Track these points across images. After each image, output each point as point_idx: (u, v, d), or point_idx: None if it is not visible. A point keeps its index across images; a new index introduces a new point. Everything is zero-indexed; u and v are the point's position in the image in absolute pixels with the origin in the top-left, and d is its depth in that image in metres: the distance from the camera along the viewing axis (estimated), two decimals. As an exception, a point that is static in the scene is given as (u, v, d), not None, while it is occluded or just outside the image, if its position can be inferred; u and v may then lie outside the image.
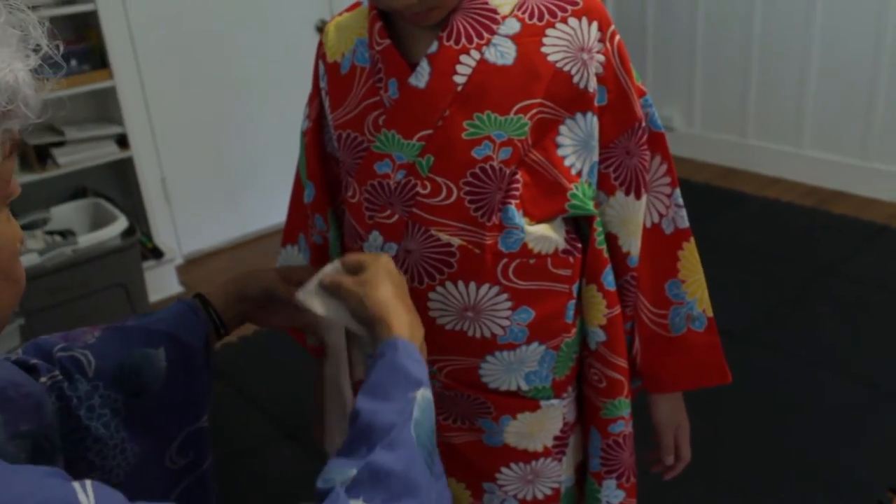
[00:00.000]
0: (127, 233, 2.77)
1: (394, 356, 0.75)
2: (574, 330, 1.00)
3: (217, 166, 3.46)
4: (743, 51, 3.80)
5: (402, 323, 0.79)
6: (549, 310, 0.96)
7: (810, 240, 3.23)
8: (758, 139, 3.90)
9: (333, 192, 1.06)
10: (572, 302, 0.98)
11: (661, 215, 1.00)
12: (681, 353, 1.04)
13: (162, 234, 3.27)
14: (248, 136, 3.50)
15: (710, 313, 1.05)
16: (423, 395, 0.73)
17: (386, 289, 0.82)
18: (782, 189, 3.72)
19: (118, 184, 3.22)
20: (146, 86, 3.16)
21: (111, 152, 2.99)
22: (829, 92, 3.58)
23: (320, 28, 3.55)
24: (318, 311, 0.87)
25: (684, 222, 1.01)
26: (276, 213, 3.58)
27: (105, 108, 3.08)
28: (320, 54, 1.01)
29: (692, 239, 1.02)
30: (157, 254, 3.16)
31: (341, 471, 0.65)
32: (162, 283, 3.18)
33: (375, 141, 0.92)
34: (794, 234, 3.31)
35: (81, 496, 0.49)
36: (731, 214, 3.48)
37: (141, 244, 2.99)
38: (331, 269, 0.89)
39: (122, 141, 3.02)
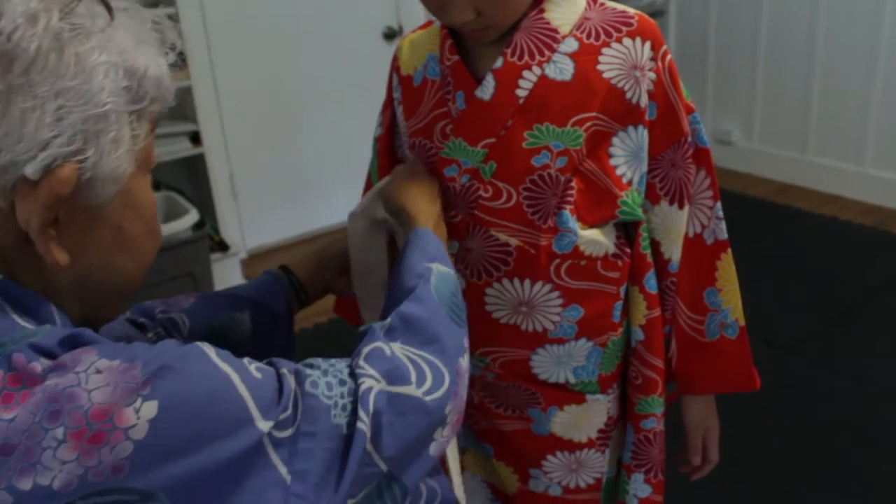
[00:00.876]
0: (197, 226, 2.91)
1: (414, 242, 0.88)
2: (620, 329, 1.07)
3: (281, 166, 3.59)
4: (805, 65, 3.78)
5: (421, 213, 0.93)
6: (597, 309, 1.03)
7: (866, 258, 3.21)
8: (818, 155, 3.88)
9: None
10: (619, 303, 1.05)
11: (703, 226, 1.06)
12: (713, 358, 1.09)
13: (228, 229, 3.41)
14: (313, 137, 3.63)
15: (743, 322, 1.10)
16: (437, 267, 0.84)
17: (406, 184, 0.97)
18: (841, 207, 3.69)
19: (190, 178, 3.37)
20: (219, 86, 3.30)
21: (184, 148, 3.14)
22: (893, 109, 3.54)
23: (387, 35, 3.66)
24: (359, 224, 1.05)
25: (723, 234, 1.07)
26: (334, 212, 3.71)
27: (181, 105, 3.23)
28: (395, 67, 1.10)
29: (730, 251, 1.07)
30: (223, 247, 3.30)
31: (378, 324, 0.77)
32: (227, 275, 3.32)
33: (444, 147, 1.00)
34: (851, 252, 3.29)
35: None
36: (787, 230, 3.47)
37: (209, 237, 3.13)
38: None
39: (195, 138, 3.16)
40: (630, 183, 1.00)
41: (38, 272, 0.62)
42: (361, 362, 0.70)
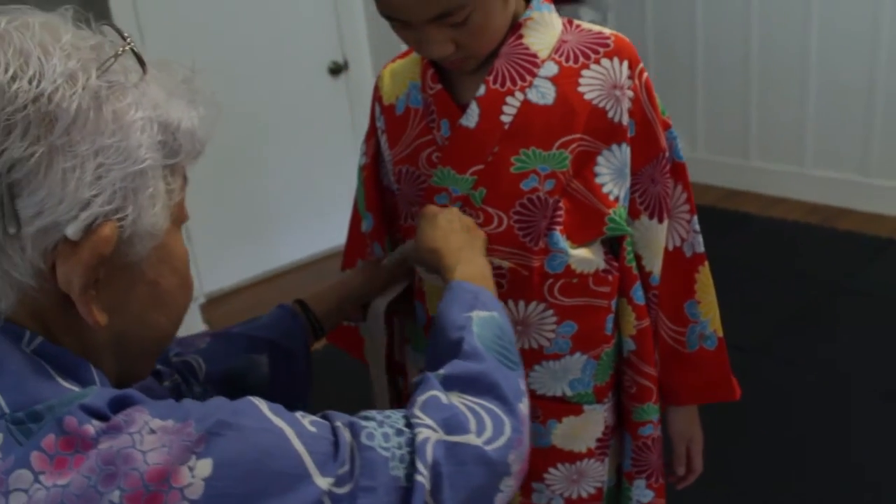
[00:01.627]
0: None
1: (448, 296, 0.86)
2: (612, 341, 1.09)
3: (235, 206, 3.56)
4: (742, 75, 3.91)
5: (451, 265, 0.91)
6: (590, 323, 1.05)
7: (816, 257, 3.32)
8: (760, 160, 4.00)
9: (389, 221, 1.16)
10: (611, 316, 1.07)
11: (682, 239, 1.08)
12: (694, 369, 1.12)
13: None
14: (265, 174, 3.61)
15: (721, 333, 1.13)
16: (477, 314, 0.83)
17: (429, 234, 0.95)
18: (786, 208, 3.81)
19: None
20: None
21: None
22: (828, 111, 3.68)
23: (333, 70, 3.67)
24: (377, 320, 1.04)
25: (701, 247, 1.10)
26: (294, 249, 3.70)
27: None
28: (376, 97, 1.11)
29: (707, 263, 1.11)
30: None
31: (432, 373, 0.76)
32: (187, 322, 3.16)
33: (433, 176, 1.02)
34: (800, 252, 3.39)
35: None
36: (737, 235, 3.57)
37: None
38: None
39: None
40: (617, 199, 1.02)
41: (77, 332, 0.61)
42: (417, 411, 0.69)
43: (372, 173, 1.14)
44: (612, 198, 1.01)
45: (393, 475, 0.62)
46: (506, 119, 0.97)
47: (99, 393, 0.56)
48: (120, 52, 0.59)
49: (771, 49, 3.78)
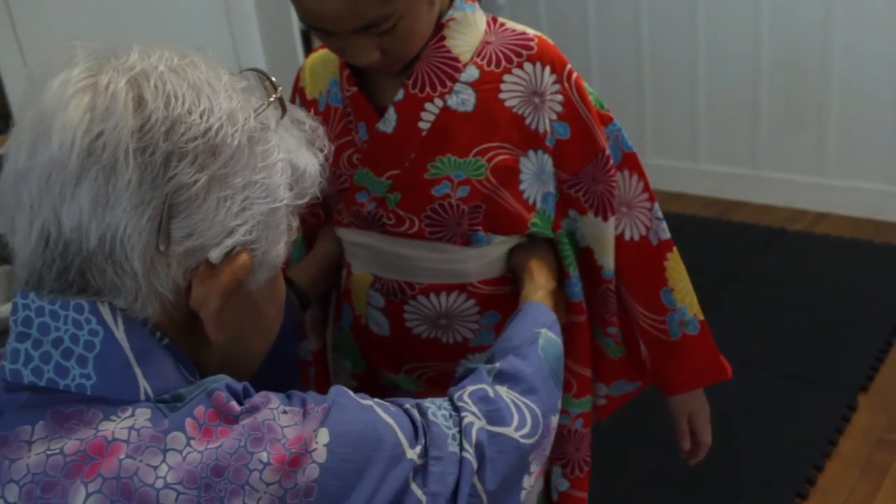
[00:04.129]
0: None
1: (528, 311, 0.94)
2: None
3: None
4: (635, 76, 4.02)
5: (541, 285, 0.99)
6: (513, 312, 1.03)
7: (715, 248, 3.43)
8: (657, 158, 4.11)
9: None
10: None
11: (647, 228, 1.07)
12: (682, 357, 1.12)
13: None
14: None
15: (702, 317, 1.13)
16: (547, 333, 0.91)
17: (544, 253, 1.04)
18: (684, 203, 3.93)
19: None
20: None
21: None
22: (718, 109, 3.82)
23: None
24: None
25: (666, 234, 1.09)
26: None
27: (12, 171, 3.01)
28: (297, 89, 1.07)
29: (675, 249, 1.10)
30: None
31: (485, 367, 0.83)
32: None
33: (354, 175, 0.99)
34: (700, 244, 3.49)
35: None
36: (640, 230, 3.65)
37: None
38: None
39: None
40: (535, 204, 1.00)
41: (193, 346, 0.65)
42: (466, 397, 0.75)
43: None
44: (531, 202, 1.00)
45: (451, 451, 0.68)
46: (424, 126, 0.95)
47: (231, 380, 0.62)
48: (272, 100, 0.66)
49: (661, 52, 3.90)
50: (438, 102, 0.94)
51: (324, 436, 0.60)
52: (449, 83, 0.94)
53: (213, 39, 3.53)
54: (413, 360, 1.02)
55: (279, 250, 0.67)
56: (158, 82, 0.59)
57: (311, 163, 0.69)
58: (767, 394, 2.43)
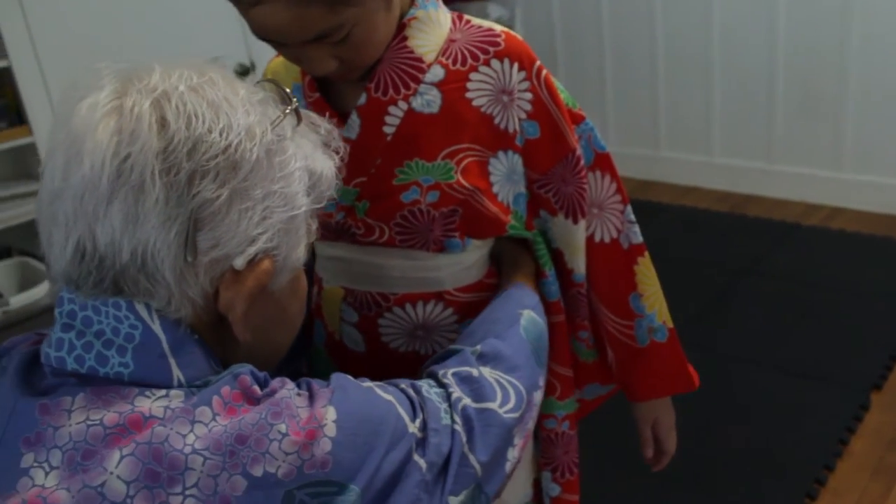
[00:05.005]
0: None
1: (514, 291, 0.97)
2: None
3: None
4: (650, 69, 3.98)
5: (528, 275, 1.02)
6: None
7: (728, 243, 3.40)
8: (670, 151, 4.08)
9: None
10: None
11: (618, 231, 1.05)
12: (648, 364, 1.10)
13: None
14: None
15: (671, 325, 1.11)
16: (529, 313, 0.93)
17: (514, 248, 1.06)
18: (697, 197, 3.90)
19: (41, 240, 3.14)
20: (65, 140, 3.11)
21: (33, 210, 2.93)
22: (732, 102, 3.78)
23: (241, 73, 3.56)
24: None
25: (638, 238, 1.06)
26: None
27: (24, 165, 3.02)
28: None
29: (647, 254, 1.07)
30: (88, 309, 3.10)
31: (469, 349, 0.86)
32: None
33: None
34: (713, 238, 3.47)
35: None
36: (651, 225, 3.62)
37: (72, 300, 2.93)
38: None
39: (45, 197, 2.96)
40: (509, 206, 0.98)
41: (221, 345, 0.69)
42: (450, 375, 0.79)
43: None
44: (505, 204, 0.98)
45: (444, 423, 0.73)
46: (388, 130, 0.91)
47: (255, 368, 0.67)
48: (287, 112, 0.69)
49: (676, 44, 3.86)
50: (403, 105, 0.91)
51: (332, 413, 0.65)
52: (413, 85, 0.91)
53: (228, 47, 3.52)
54: (391, 376, 1.01)
55: (299, 253, 0.71)
56: (179, 103, 0.63)
57: (327, 166, 0.73)
58: (778, 391, 2.41)
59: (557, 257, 1.05)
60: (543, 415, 1.08)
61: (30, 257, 2.90)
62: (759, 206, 3.70)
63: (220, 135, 0.63)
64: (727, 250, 3.32)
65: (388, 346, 1.00)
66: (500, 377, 0.83)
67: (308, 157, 0.70)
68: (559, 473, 1.12)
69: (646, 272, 1.08)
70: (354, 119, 0.92)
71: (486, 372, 0.82)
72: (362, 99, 0.92)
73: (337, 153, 0.75)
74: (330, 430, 0.64)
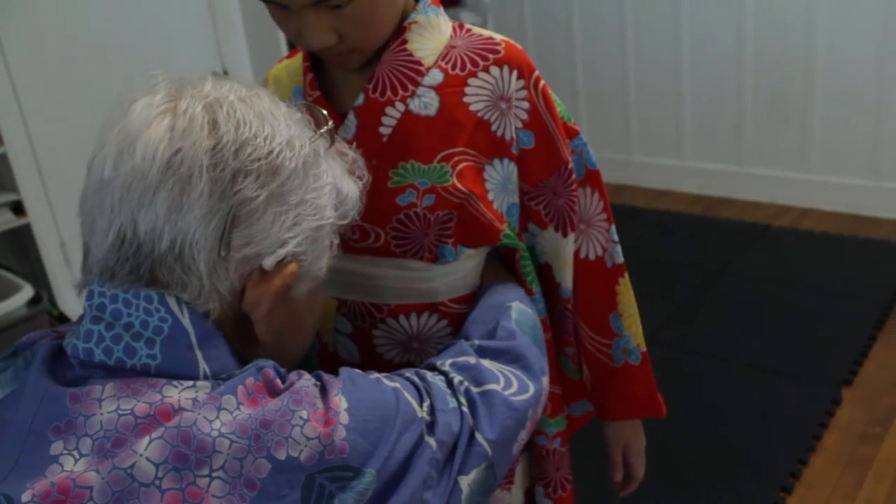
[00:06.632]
0: (33, 301, 2.69)
1: (497, 287, 0.98)
2: None
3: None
4: (621, 75, 4.03)
5: (501, 275, 1.04)
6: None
7: (701, 245, 3.45)
8: (643, 156, 4.13)
9: None
10: None
11: (604, 249, 1.05)
12: (621, 385, 1.10)
13: (67, 300, 3.18)
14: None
15: (644, 348, 1.11)
16: (518, 305, 0.95)
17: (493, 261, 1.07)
18: (670, 200, 3.94)
19: (17, 252, 3.12)
20: (37, 150, 3.09)
21: (7, 220, 2.90)
22: (703, 107, 3.84)
23: (213, 80, 3.56)
24: None
25: (620, 258, 1.06)
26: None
27: (-4, 175, 3.00)
28: None
29: (627, 275, 1.08)
30: (63, 320, 3.07)
31: (466, 342, 0.88)
32: None
33: None
34: (686, 240, 3.51)
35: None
36: (625, 228, 3.64)
37: (47, 312, 2.90)
38: None
39: (18, 208, 2.93)
40: (503, 215, 0.98)
41: (241, 345, 0.71)
42: (448, 365, 0.81)
43: None
44: (500, 213, 0.97)
45: (452, 406, 0.76)
46: (385, 131, 0.91)
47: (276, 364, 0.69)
48: (323, 131, 0.74)
49: (647, 51, 3.91)
50: (400, 106, 0.91)
51: (343, 402, 0.68)
52: (411, 87, 0.91)
53: (196, 40, 3.52)
54: None
55: (322, 263, 0.74)
56: (230, 109, 0.67)
57: (352, 188, 0.77)
58: (752, 389, 2.44)
59: (545, 272, 1.05)
60: (535, 431, 1.08)
61: (3, 269, 2.87)
62: (731, 209, 3.75)
63: (265, 141, 0.67)
64: (700, 252, 3.37)
65: (382, 357, 1.00)
66: (502, 367, 0.85)
67: (337, 177, 0.75)
68: (552, 489, 1.12)
69: (626, 293, 1.08)
70: (351, 119, 0.92)
71: (486, 363, 0.84)
72: (360, 99, 0.92)
73: (360, 179, 0.79)
74: (343, 418, 0.66)
